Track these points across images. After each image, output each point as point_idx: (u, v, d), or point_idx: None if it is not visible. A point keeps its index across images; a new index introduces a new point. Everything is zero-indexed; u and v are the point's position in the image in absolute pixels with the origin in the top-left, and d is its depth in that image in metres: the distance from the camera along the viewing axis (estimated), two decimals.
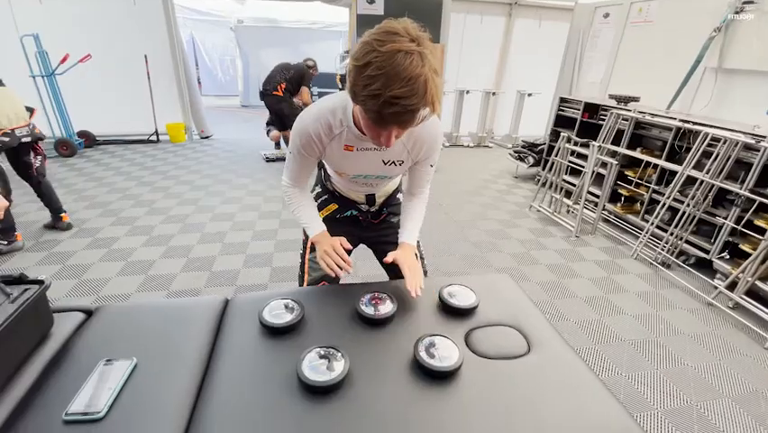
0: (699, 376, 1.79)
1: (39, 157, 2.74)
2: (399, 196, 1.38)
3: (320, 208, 1.32)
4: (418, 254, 1.35)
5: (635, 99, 3.56)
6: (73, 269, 2.39)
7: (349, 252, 1.28)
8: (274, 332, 0.91)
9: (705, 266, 2.64)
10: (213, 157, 5.02)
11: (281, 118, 4.77)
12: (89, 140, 5.10)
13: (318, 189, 1.35)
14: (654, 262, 2.77)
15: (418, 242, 1.33)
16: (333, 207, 1.32)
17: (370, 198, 1.29)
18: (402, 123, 0.78)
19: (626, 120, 3.28)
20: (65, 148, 4.64)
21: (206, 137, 5.95)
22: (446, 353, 0.85)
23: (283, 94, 4.61)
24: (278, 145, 5.25)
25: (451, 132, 6.56)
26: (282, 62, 4.76)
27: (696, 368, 1.84)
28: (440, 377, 0.81)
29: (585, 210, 3.36)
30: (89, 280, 2.28)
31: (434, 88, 0.74)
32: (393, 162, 1.08)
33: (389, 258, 1.11)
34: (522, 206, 3.84)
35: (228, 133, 6.35)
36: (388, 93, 0.71)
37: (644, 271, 2.70)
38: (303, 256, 1.35)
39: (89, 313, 1.00)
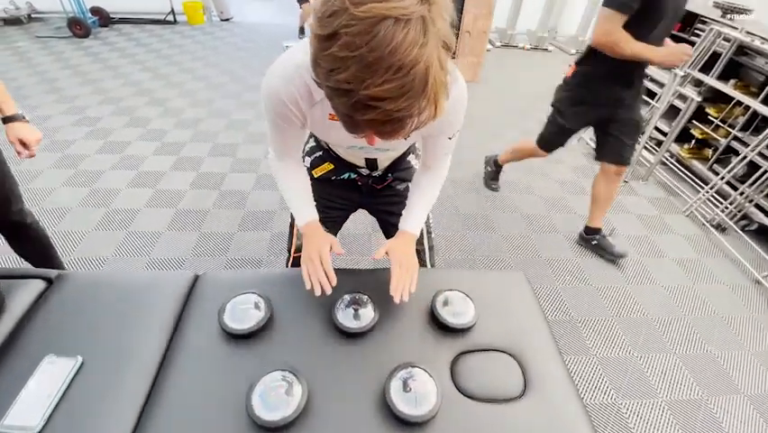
0: (720, 367, 1.65)
1: None
2: (410, 158, 1.13)
3: (314, 166, 1.11)
4: (425, 231, 1.15)
5: (746, 11, 2.74)
6: (85, 175, 2.37)
7: (333, 234, 1.13)
8: (234, 337, 0.81)
9: (766, 235, 2.29)
10: (231, 47, 4.58)
11: None
12: (103, 18, 4.72)
13: (312, 143, 1.12)
14: (708, 224, 2.43)
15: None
16: (329, 166, 1.10)
17: (372, 163, 1.06)
18: (385, 133, 0.51)
19: (728, 41, 2.57)
20: (79, 28, 4.33)
21: (226, 19, 5.38)
22: (424, 392, 0.73)
23: None
24: (302, 31, 4.68)
25: (505, 28, 5.61)
26: None
27: (720, 357, 1.69)
28: (412, 425, 0.70)
29: (643, 150, 2.90)
30: (101, 190, 2.26)
31: (439, 78, 0.46)
32: None
33: (381, 252, 0.91)
34: None
35: (250, 15, 5.71)
36: (364, 91, 0.44)
37: (693, 233, 2.39)
38: (293, 216, 1.19)
39: (50, 281, 0.93)
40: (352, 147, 0.90)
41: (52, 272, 0.94)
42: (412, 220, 0.96)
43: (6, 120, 1.13)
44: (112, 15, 4.82)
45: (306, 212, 0.95)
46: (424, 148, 0.93)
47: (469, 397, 0.76)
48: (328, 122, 0.77)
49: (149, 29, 4.87)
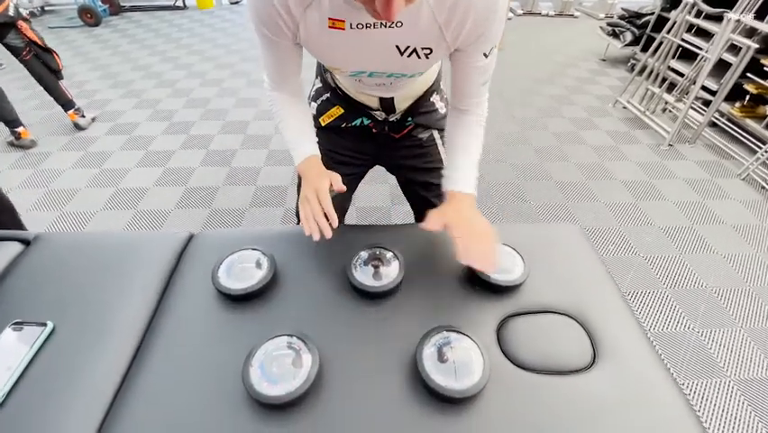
0: None
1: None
2: (434, 99, 0.95)
3: (321, 113, 0.95)
4: None
5: None
6: (95, 157, 2.30)
7: (345, 197, 0.97)
8: (231, 299, 0.67)
9: None
10: (240, 28, 4.46)
11: None
12: (114, 6, 4.67)
13: (318, 84, 0.96)
14: None
15: None
16: (338, 111, 0.93)
17: (387, 104, 0.88)
18: None
19: None
20: (89, 16, 4.28)
21: (236, 2, 5.26)
22: (466, 361, 0.57)
23: None
24: None
25: None
26: None
27: None
28: (452, 401, 0.54)
29: (690, 110, 2.62)
30: (109, 171, 2.19)
31: None
32: (415, 51, 0.64)
33: (434, 223, 0.69)
34: (605, 100, 3.10)
35: None
36: None
37: (751, 198, 2.13)
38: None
39: (27, 243, 0.81)
40: (358, 73, 0.72)
41: (30, 234, 0.82)
42: (463, 178, 0.74)
43: None
44: (122, 4, 4.77)
45: (305, 147, 0.78)
46: (453, 81, 0.75)
47: (523, 368, 0.60)
48: (327, 30, 0.60)
49: (159, 15, 4.79)
